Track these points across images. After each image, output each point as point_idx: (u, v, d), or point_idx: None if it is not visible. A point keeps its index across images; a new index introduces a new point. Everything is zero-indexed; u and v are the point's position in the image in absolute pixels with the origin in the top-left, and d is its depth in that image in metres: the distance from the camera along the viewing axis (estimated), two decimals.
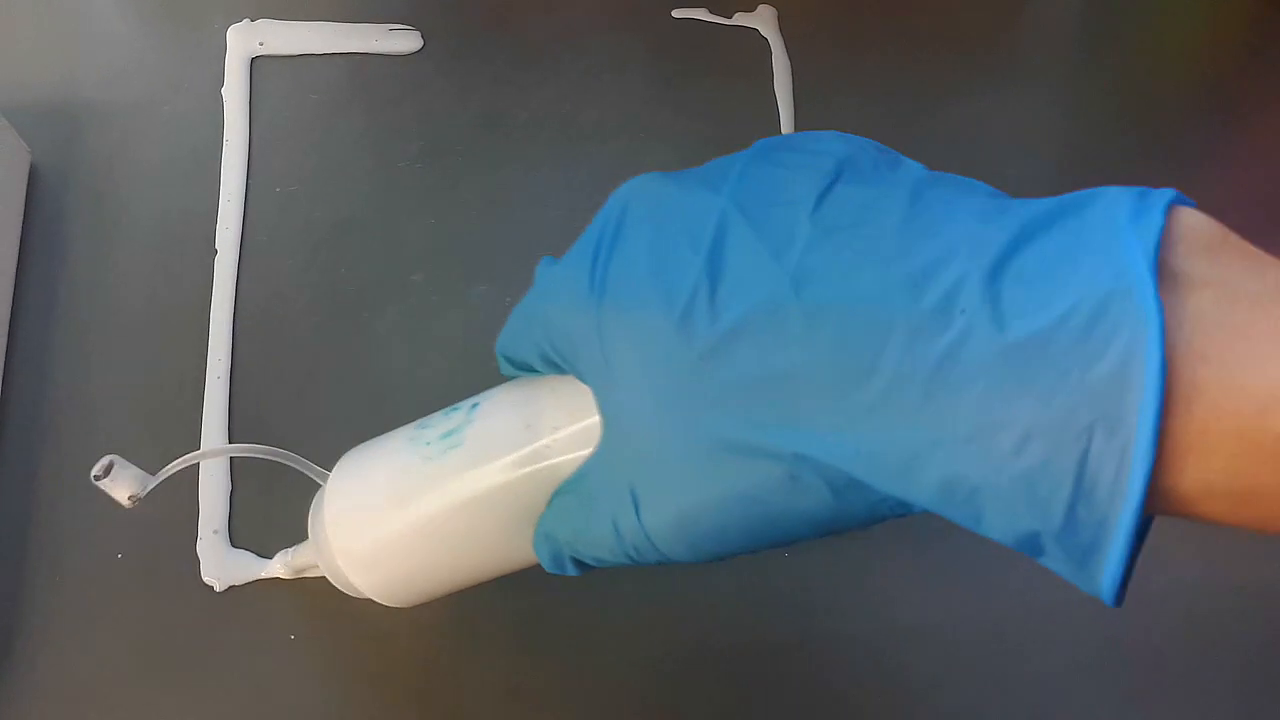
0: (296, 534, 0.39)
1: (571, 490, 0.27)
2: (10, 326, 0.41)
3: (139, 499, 0.31)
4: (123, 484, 0.30)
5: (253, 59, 0.47)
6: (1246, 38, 0.52)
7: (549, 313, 0.26)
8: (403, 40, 0.48)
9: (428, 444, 0.30)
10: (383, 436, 0.33)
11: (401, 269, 0.43)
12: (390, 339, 0.42)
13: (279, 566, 0.38)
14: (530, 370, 0.29)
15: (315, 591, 0.38)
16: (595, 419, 0.27)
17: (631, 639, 0.39)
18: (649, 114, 0.47)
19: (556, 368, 0.28)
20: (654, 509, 0.24)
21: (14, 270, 0.42)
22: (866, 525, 0.23)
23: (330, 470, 0.33)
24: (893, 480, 0.21)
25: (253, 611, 0.38)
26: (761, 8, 0.50)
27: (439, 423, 0.31)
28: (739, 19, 0.49)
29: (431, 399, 0.41)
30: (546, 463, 0.28)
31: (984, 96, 0.49)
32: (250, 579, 0.38)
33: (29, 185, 0.43)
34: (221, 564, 0.38)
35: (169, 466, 0.32)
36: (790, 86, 0.48)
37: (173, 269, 0.43)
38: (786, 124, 0.47)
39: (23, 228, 0.42)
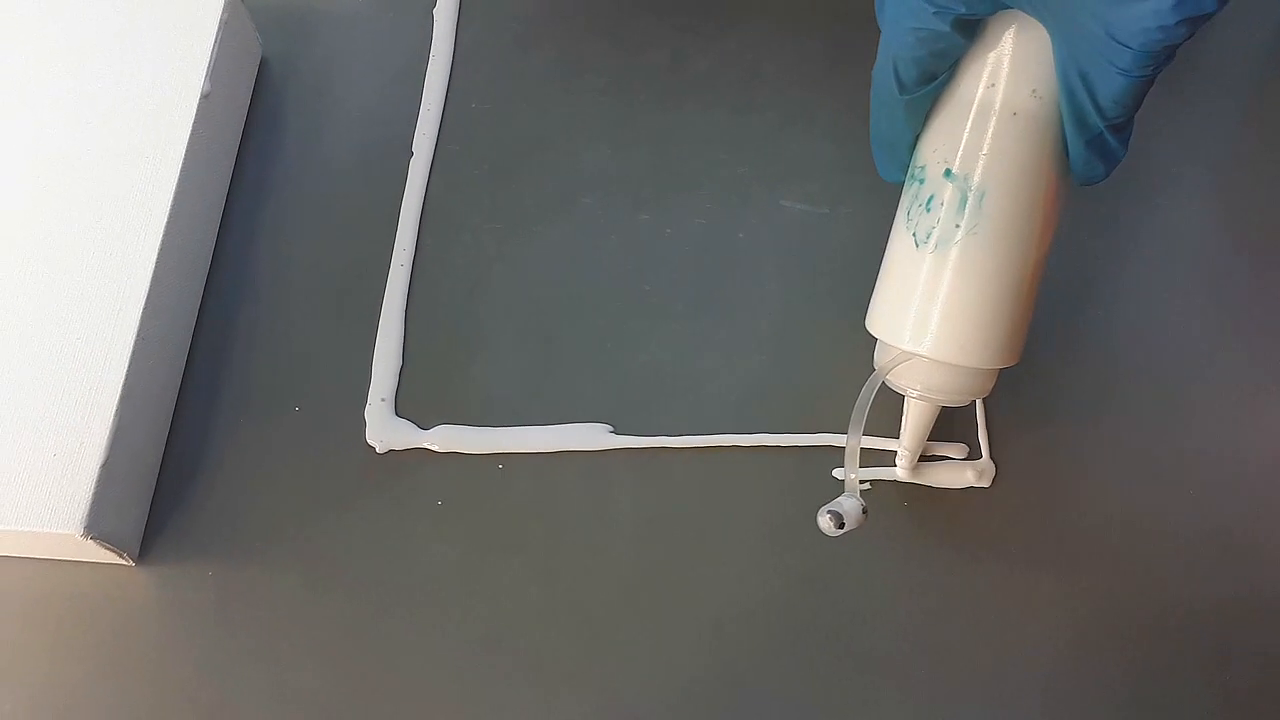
0: (453, 412, 0.42)
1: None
2: (228, 196, 0.46)
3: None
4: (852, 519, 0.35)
5: None
6: None
7: None
8: None
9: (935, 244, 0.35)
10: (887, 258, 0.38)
11: (575, 190, 0.47)
12: (557, 252, 0.46)
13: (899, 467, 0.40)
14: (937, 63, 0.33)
15: (464, 465, 0.42)
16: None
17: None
18: (824, 76, 0.49)
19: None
20: None
21: (236, 148, 0.47)
22: None
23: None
24: None
25: (407, 475, 0.42)
26: None
27: (926, 221, 0.35)
28: None
29: (585, 310, 0.44)
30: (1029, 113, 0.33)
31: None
32: (408, 446, 0.42)
33: (258, 76, 0.48)
34: (385, 429, 0.42)
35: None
36: None
37: (373, 164, 0.47)
38: None
39: (248, 112, 0.47)
